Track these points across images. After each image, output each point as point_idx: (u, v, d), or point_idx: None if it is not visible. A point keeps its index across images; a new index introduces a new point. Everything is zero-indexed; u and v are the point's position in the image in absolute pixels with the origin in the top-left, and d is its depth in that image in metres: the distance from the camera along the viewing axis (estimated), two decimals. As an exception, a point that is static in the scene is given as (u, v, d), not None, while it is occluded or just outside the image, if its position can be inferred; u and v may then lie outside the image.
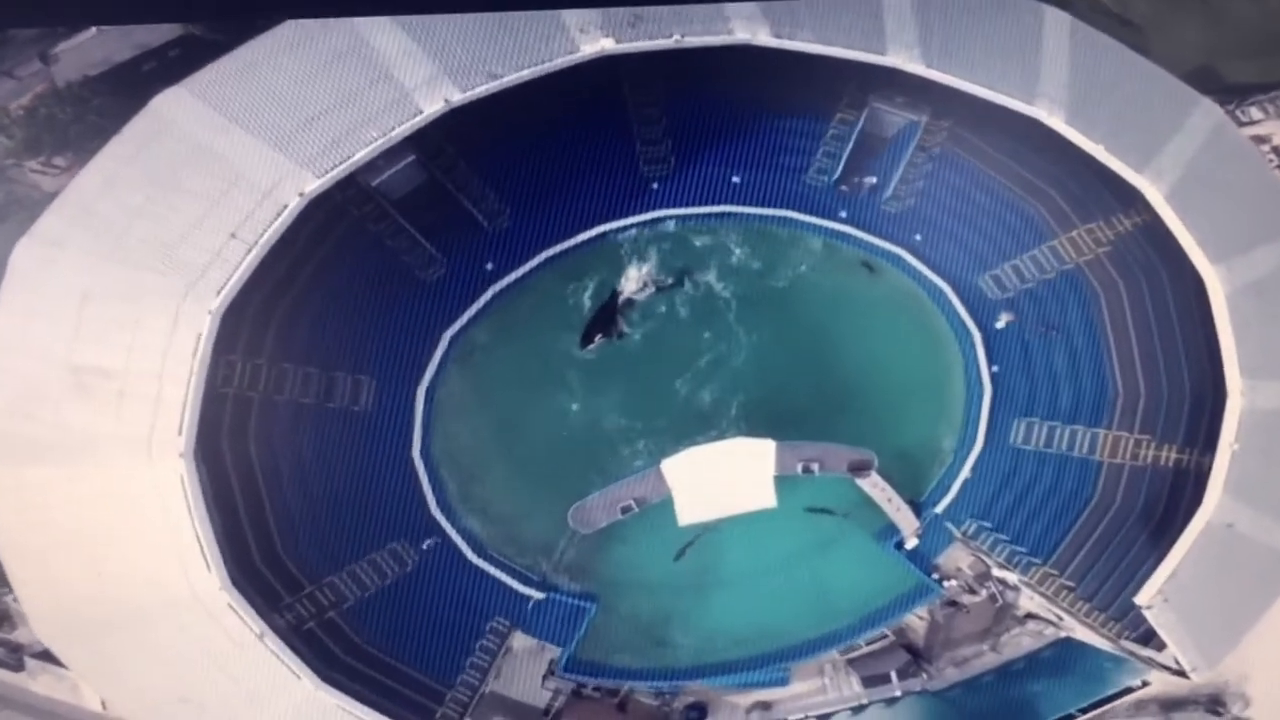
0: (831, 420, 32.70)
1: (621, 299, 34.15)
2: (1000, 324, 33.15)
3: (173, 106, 27.98)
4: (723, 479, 30.19)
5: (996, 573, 33.25)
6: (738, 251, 34.19)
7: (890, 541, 32.95)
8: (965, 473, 32.99)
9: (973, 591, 33.79)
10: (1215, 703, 37.86)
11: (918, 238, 33.52)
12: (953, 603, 33.61)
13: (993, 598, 33.74)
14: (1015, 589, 33.61)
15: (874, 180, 33.63)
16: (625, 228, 33.29)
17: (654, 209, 33.20)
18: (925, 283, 33.67)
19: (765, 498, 30.02)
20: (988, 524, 32.88)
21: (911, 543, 32.75)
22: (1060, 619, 32.98)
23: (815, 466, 30.36)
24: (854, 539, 33.60)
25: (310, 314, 31.36)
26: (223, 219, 26.50)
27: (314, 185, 26.70)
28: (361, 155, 26.99)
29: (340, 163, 26.78)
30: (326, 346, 31.51)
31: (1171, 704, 36.71)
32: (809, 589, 33.67)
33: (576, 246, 33.11)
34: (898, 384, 34.13)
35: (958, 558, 33.79)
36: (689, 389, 33.87)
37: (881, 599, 33.68)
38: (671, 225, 33.91)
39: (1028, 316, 33.45)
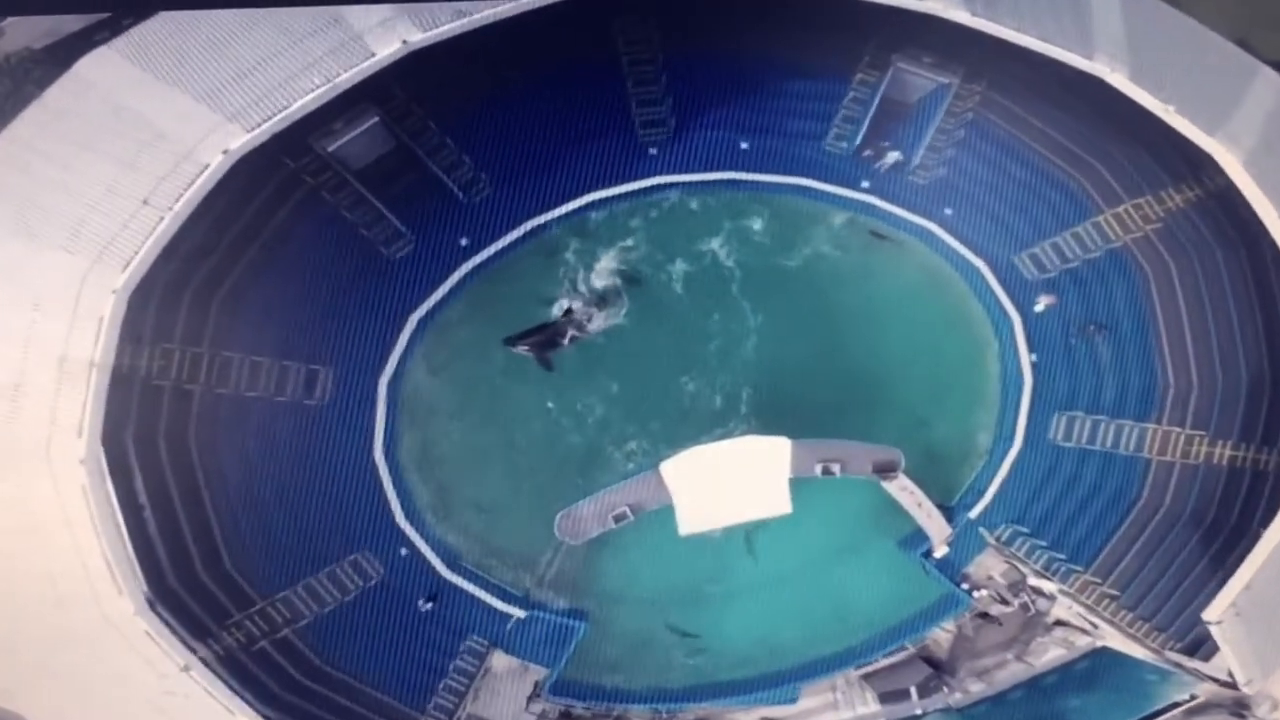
0: (852, 415, 28.98)
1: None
2: (1039, 307, 29.53)
3: (98, 68, 24.24)
4: (730, 482, 26.39)
5: (1033, 581, 29.91)
6: (746, 225, 30.18)
7: (917, 550, 29.36)
8: (1002, 473, 29.43)
9: (1004, 601, 30.31)
10: (1240, 706, 34.30)
11: (948, 212, 29.91)
12: (984, 614, 30.18)
13: (1025, 607, 30.36)
14: (1051, 598, 30.20)
15: (899, 155, 30.08)
16: (619, 197, 29.23)
17: (651, 175, 29.13)
18: (958, 261, 30.02)
19: (779, 503, 26.19)
20: (1024, 529, 29.48)
21: (941, 551, 29.29)
22: (1095, 626, 29.89)
23: (836, 468, 26.58)
24: (874, 546, 30.07)
25: (258, 296, 27.44)
26: (136, 184, 22.45)
27: (242, 141, 22.65)
28: (301, 105, 22.89)
29: (274, 114, 22.51)
30: (277, 332, 27.59)
31: (1195, 708, 33.24)
32: (823, 601, 30.10)
33: (564, 218, 29.10)
34: (926, 374, 30.40)
35: (989, 565, 30.34)
36: (690, 380, 29.98)
37: (904, 611, 30.12)
38: (672, 195, 29.95)
39: (1071, 309, 29.89)
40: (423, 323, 28.55)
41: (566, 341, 29.71)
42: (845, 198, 29.74)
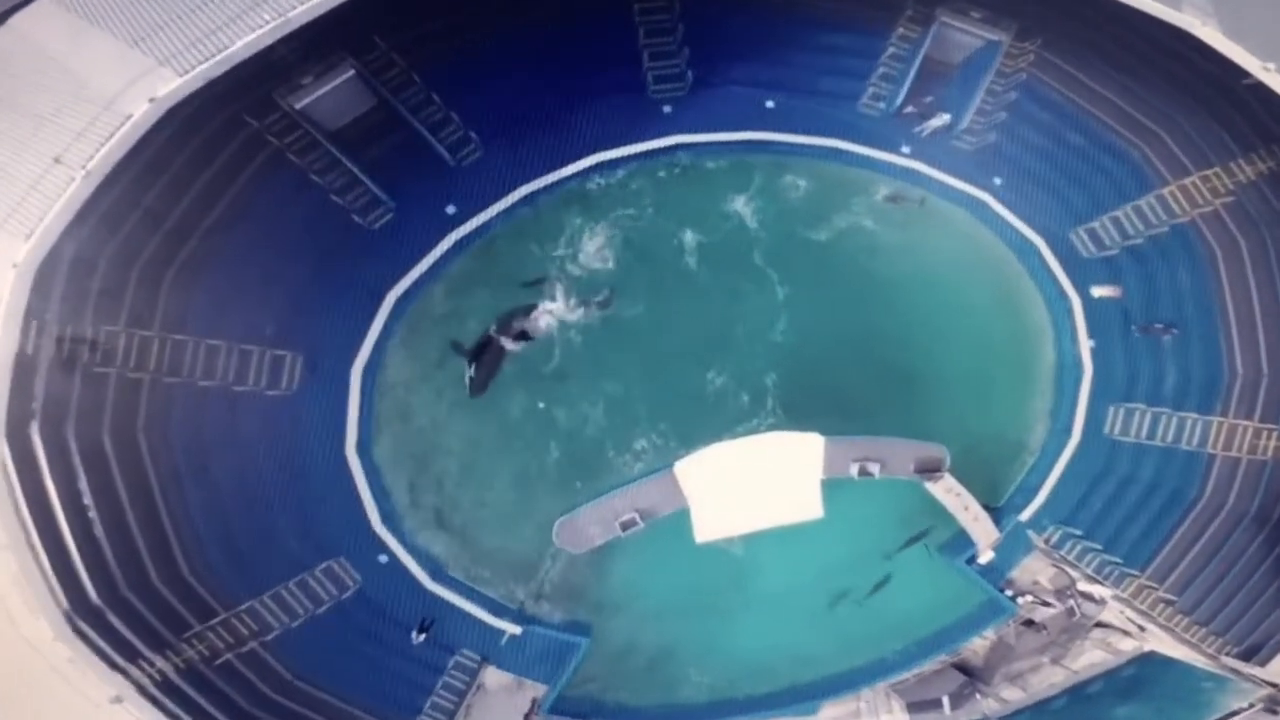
0: (889, 407, 25.91)
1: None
2: (1099, 293, 26.48)
3: (33, 20, 21.38)
4: (754, 484, 23.16)
5: (1083, 586, 27.08)
6: (770, 193, 26.80)
7: (959, 557, 26.39)
8: (1056, 472, 26.39)
9: (1049, 606, 27.51)
10: (1274, 702, 31.52)
11: (997, 181, 26.92)
12: (1029, 621, 27.27)
13: (1070, 612, 27.64)
14: (1100, 603, 27.49)
15: (947, 118, 26.83)
16: (626, 159, 25.76)
17: (665, 135, 25.59)
18: (1010, 236, 26.99)
19: (810, 507, 22.95)
20: (1076, 530, 26.53)
21: (986, 557, 26.32)
22: (1142, 630, 27.36)
23: (875, 468, 23.31)
24: (910, 551, 26.94)
25: (216, 272, 24.13)
26: (50, 141, 19.06)
27: (172, 86, 19.22)
28: (246, 44, 19.52)
29: (213, 55, 19.04)
30: (237, 313, 24.25)
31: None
32: (853, 610, 27.00)
33: (563, 183, 25.60)
34: (972, 362, 27.14)
35: (1035, 569, 27.47)
36: (708, 368, 26.65)
37: (941, 620, 27.13)
38: (684, 157, 26.59)
39: (1132, 293, 26.76)
40: (402, 302, 25.15)
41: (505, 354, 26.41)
42: (884, 162, 26.66)
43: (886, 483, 24.51)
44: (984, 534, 25.44)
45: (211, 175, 23.61)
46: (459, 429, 26.16)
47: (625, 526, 23.66)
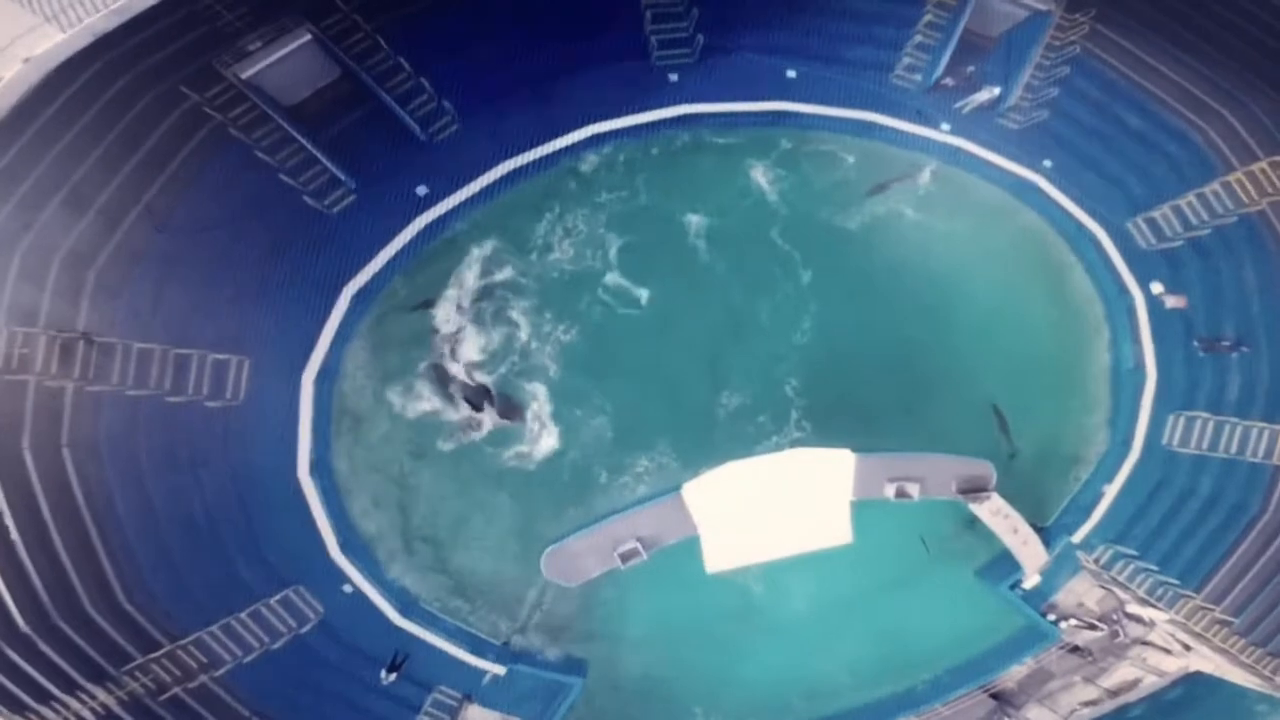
0: (923, 417, 22.82)
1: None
2: (1156, 289, 23.62)
3: None
4: (774, 508, 19.82)
5: (1133, 609, 24.30)
6: (794, 173, 23.41)
7: (1000, 582, 23.39)
8: (1114, 489, 23.35)
9: (1092, 628, 24.78)
10: None
11: (1047, 164, 23.87)
12: (1074, 648, 24.41)
13: (1114, 634, 24.98)
14: (1148, 624, 24.79)
15: (994, 91, 23.66)
16: (629, 131, 22.27)
17: (671, 105, 22.25)
18: (1064, 224, 23.86)
19: (837, 532, 19.57)
20: (1129, 549, 23.56)
21: (1032, 582, 23.42)
22: (1187, 649, 24.76)
23: (913, 488, 20.28)
24: (940, 574, 23.80)
25: (148, 265, 20.45)
26: None
27: (53, 43, 16.37)
28: None
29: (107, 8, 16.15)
30: (172, 313, 20.62)
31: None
32: (878, 637, 23.94)
33: (554, 158, 22.17)
34: (1017, 366, 24.03)
35: (1080, 591, 24.65)
36: (719, 375, 23.22)
37: (975, 647, 24.08)
38: (694, 132, 23.05)
39: (1195, 293, 23.60)
40: (363, 297, 21.60)
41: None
42: (922, 138, 23.44)
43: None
44: (1033, 558, 22.56)
45: (144, 155, 20.16)
46: (431, 445, 22.68)
47: (626, 558, 20.59)
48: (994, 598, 23.96)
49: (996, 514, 21.36)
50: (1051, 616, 24.08)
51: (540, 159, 22.17)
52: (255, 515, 21.54)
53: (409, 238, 21.68)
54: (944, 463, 21.01)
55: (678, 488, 20.56)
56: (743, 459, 20.36)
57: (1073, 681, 25.20)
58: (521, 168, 22.09)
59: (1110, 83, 23.84)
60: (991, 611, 24.14)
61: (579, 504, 22.46)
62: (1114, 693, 25.29)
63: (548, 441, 22.57)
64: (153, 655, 20.45)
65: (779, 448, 22.04)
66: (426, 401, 22.41)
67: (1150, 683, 24.99)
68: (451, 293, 22.64)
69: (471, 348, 22.63)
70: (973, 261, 24.07)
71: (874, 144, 23.71)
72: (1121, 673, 25.13)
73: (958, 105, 23.96)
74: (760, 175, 23.91)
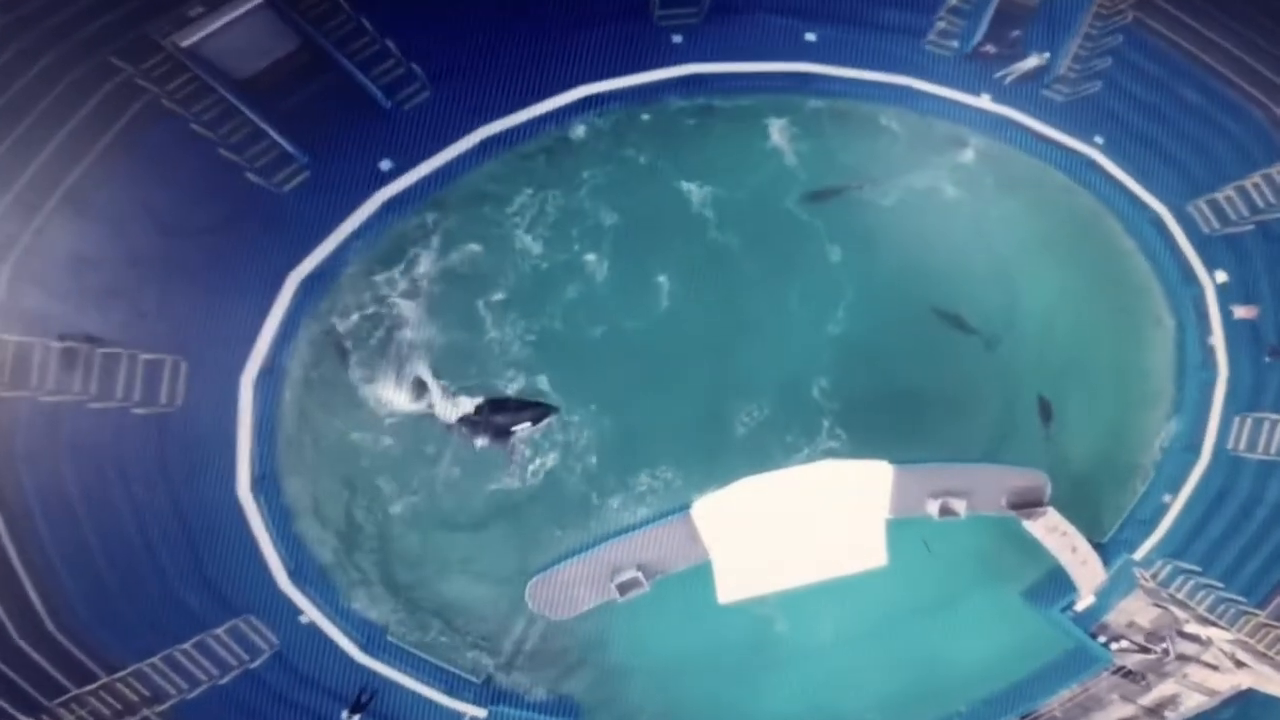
0: (965, 420, 19.90)
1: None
2: (1220, 280, 20.82)
3: None
4: (798, 529, 16.65)
5: (1191, 628, 21.68)
6: (818, 144, 20.22)
7: (1054, 605, 20.58)
8: (1180, 500, 20.49)
9: (1145, 650, 22.10)
10: None
11: (1098, 140, 20.79)
12: (1128, 672, 21.68)
13: (1165, 653, 22.38)
14: (1204, 643, 22.14)
15: (1041, 59, 20.68)
16: (625, 94, 18.88)
17: (675, 65, 19.03)
18: (1122, 205, 20.75)
19: (870, 554, 16.73)
20: (1189, 565, 20.86)
21: (1086, 603, 20.77)
22: (1239, 664, 22.06)
23: (960, 504, 17.44)
24: (981, 593, 20.95)
25: (71, 252, 17.40)
26: None
27: None
28: None
29: None
30: (96, 306, 17.50)
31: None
32: (908, 665, 21.08)
33: (538, 125, 18.73)
34: (1069, 363, 21.22)
35: (1132, 610, 22.01)
36: (735, 376, 19.92)
37: (1018, 672, 21.19)
38: (700, 94, 19.71)
39: (1261, 286, 20.85)
40: (312, 286, 18.17)
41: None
42: (963, 105, 20.08)
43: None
44: (1090, 578, 19.84)
45: (68, 133, 17.30)
46: (397, 458, 19.45)
47: (624, 588, 17.71)
48: (1037, 619, 21.12)
49: (1052, 531, 18.59)
50: (1102, 638, 21.39)
51: (523, 126, 18.71)
52: (198, 537, 18.42)
53: (366, 218, 18.11)
54: (993, 474, 18.28)
55: (686, 507, 17.56)
56: (763, 473, 17.40)
57: (1110, 700, 22.59)
58: (500, 136, 18.64)
59: (1164, 55, 21.00)
60: (1034, 633, 21.31)
61: (569, 526, 19.25)
62: (1151, 710, 22.71)
63: (532, 456, 19.28)
64: (88, 688, 17.99)
65: (809, 461, 18.64)
66: (392, 409, 19.10)
67: (1198, 702, 22.30)
68: (417, 282, 19.39)
69: (439, 345, 19.28)
70: (1019, 246, 21.20)
71: (908, 113, 20.46)
72: (1160, 689, 22.54)
73: (999, 75, 21.01)
74: (778, 144, 20.71)
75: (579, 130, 19.95)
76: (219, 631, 18.78)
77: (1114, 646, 21.62)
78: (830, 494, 17.24)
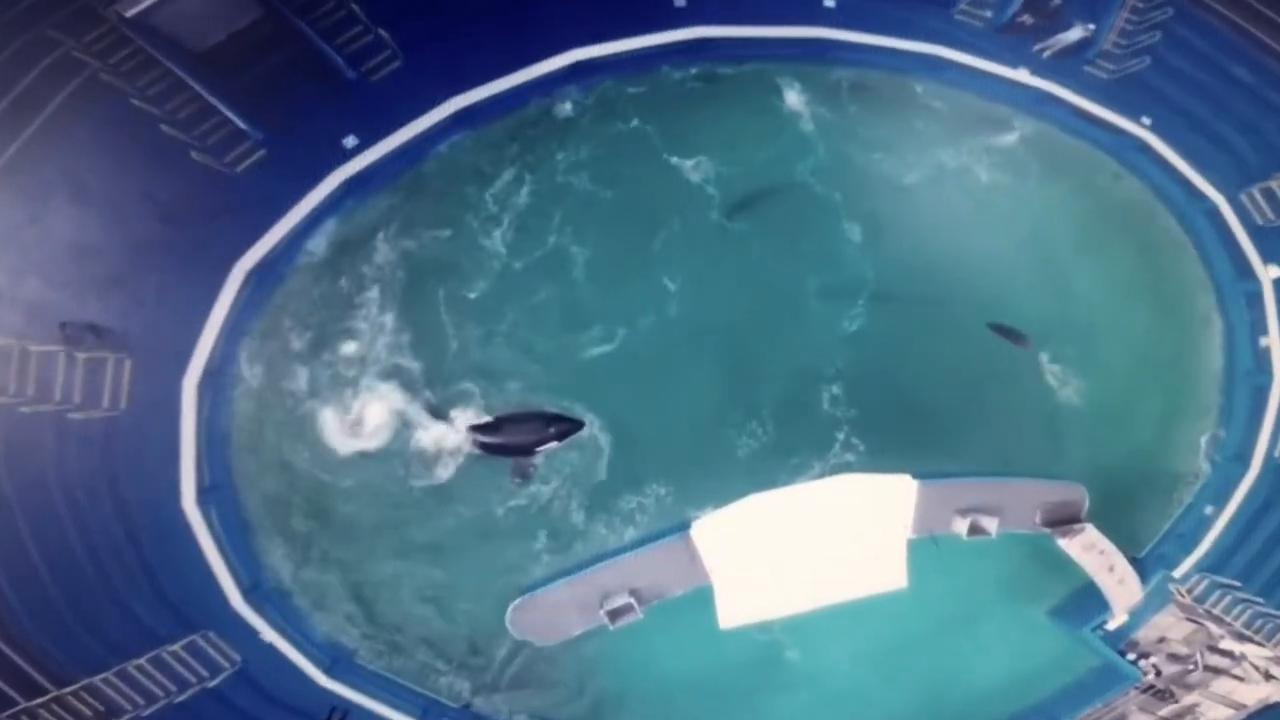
0: (997, 431, 17.72)
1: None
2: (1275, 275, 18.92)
3: None
4: (811, 549, 14.79)
5: (1227, 644, 19.90)
6: (836, 117, 17.86)
7: (1085, 624, 18.64)
8: (1226, 514, 18.48)
9: (1179, 662, 20.41)
10: None
11: (1145, 121, 18.72)
12: (1158, 692, 19.85)
13: (1194, 666, 20.65)
14: (1237, 659, 20.38)
15: (1085, 30, 18.63)
16: (619, 60, 16.73)
17: (678, 28, 16.84)
18: (1173, 192, 18.74)
19: (889, 575, 15.11)
20: (1228, 580, 19.04)
21: (1119, 621, 18.98)
22: (1268, 677, 20.30)
23: (991, 523, 15.45)
24: (1004, 612, 19.05)
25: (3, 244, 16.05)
26: None
27: None
28: None
29: None
30: (33, 301, 15.74)
31: None
32: (925, 687, 19.14)
33: (522, 95, 16.62)
34: (1109, 365, 19.05)
35: (1164, 625, 20.29)
36: (739, 380, 17.75)
37: (1039, 692, 19.43)
38: (705, 62, 17.52)
39: None
40: (265, 277, 16.26)
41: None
42: (999, 78, 17.88)
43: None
44: (1126, 598, 17.99)
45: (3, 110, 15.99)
46: (365, 471, 17.31)
47: (615, 615, 15.87)
48: (1063, 635, 19.25)
49: (1090, 549, 16.75)
50: (1131, 655, 19.52)
51: (504, 97, 16.59)
52: (149, 550, 16.73)
53: (324, 199, 16.05)
54: (1026, 488, 16.40)
55: (685, 526, 15.66)
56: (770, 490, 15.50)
57: (1130, 711, 20.79)
58: (478, 109, 16.56)
59: (1214, 32, 18.95)
60: (1058, 650, 19.47)
61: (554, 551, 17.03)
62: (1172, 722, 22.43)
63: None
64: (38, 701, 16.45)
65: (822, 476, 16.53)
66: (359, 414, 16.94)
67: (1223, 715, 20.25)
68: (383, 274, 17.09)
69: (406, 345, 17.02)
70: (1057, 236, 19.01)
71: (939, 88, 18.22)
72: (1184, 701, 20.49)
73: (1038, 48, 18.93)
74: (793, 116, 18.24)
75: (566, 104, 17.53)
76: (176, 648, 17.09)
77: (1143, 663, 19.72)
78: (846, 511, 15.28)
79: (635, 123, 18.08)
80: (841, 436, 17.37)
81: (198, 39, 17.34)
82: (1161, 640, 20.66)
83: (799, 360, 17.97)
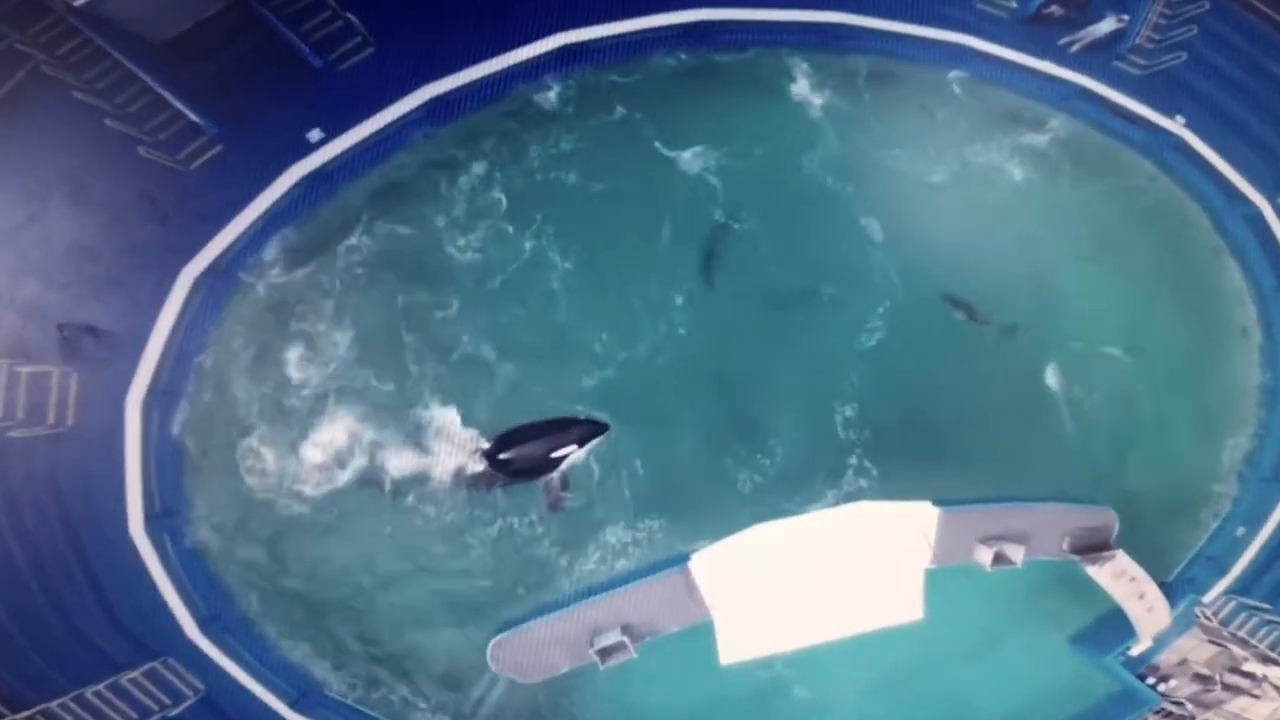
0: (1016, 449, 16.14)
1: None
2: None
3: None
4: (816, 581, 13.47)
5: (1250, 667, 18.61)
6: (851, 107, 16.24)
7: (1109, 652, 17.34)
8: (1261, 537, 17.14)
9: (1203, 683, 19.15)
10: None
11: (1179, 119, 17.29)
12: (1170, 714, 18.81)
13: (1213, 685, 19.46)
14: (1259, 680, 19.03)
15: (1118, 21, 17.19)
16: (610, 44, 15.13)
17: (677, 10, 15.27)
18: (1211, 195, 17.27)
19: (905, 607, 13.88)
20: (1256, 601, 17.86)
21: (1143, 647, 17.68)
22: None
23: (1017, 552, 14.19)
24: (1022, 638, 17.53)
25: None
26: None
27: None
28: None
29: None
30: None
31: None
32: (936, 711, 17.67)
33: (505, 81, 14.94)
34: (1140, 379, 17.56)
35: (1185, 648, 19.03)
36: (740, 400, 16.02)
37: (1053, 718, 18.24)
38: (703, 48, 15.90)
39: None
40: (216, 283, 14.73)
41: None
42: (1028, 69, 16.33)
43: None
44: (1153, 622, 16.63)
45: None
46: (331, 493, 15.67)
47: (606, 654, 14.45)
48: (1080, 660, 17.93)
49: (1120, 576, 15.42)
50: (1151, 679, 18.33)
51: (482, 85, 14.97)
52: (102, 575, 15.42)
53: (281, 198, 14.40)
54: (1052, 514, 15.08)
55: (683, 559, 14.66)
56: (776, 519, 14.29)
57: None
58: (453, 98, 14.89)
59: (1251, 28, 17.64)
60: (1073, 675, 18.05)
61: (536, 581, 15.39)
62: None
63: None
64: None
65: (834, 505, 15.09)
66: (322, 437, 15.28)
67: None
68: (347, 279, 15.34)
69: (374, 361, 15.28)
70: (1088, 239, 17.46)
71: (965, 81, 16.55)
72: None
73: (1064, 41, 17.48)
74: (801, 107, 16.49)
75: (555, 93, 15.77)
76: (136, 674, 15.80)
77: (1163, 687, 18.76)
78: (860, 541, 14.08)
79: (624, 112, 16.15)
80: (854, 461, 15.56)
81: (157, 29, 16.01)
82: (1182, 663, 19.47)
83: (806, 375, 15.95)
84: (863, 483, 15.55)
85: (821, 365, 16.15)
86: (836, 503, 15.40)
